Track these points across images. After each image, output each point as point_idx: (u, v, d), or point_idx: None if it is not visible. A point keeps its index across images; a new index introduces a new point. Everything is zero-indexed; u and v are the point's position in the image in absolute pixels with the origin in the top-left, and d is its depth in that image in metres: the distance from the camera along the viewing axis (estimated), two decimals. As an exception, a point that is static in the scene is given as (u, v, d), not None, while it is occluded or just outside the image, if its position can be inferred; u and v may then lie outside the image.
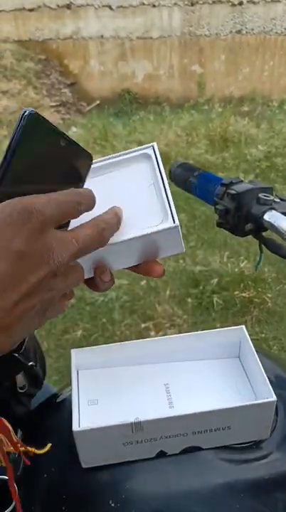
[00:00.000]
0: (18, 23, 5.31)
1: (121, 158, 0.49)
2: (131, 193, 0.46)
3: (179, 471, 0.56)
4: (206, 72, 5.40)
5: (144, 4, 5.15)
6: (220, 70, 5.38)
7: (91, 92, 5.56)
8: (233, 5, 5.09)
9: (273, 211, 0.71)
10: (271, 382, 0.67)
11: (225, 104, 4.61)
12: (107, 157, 0.49)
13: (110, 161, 0.49)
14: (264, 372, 0.57)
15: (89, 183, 0.43)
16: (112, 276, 0.45)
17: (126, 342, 0.64)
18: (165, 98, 5.41)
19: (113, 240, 0.41)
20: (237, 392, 0.61)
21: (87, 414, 0.58)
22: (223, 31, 5.25)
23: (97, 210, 0.40)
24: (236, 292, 2.30)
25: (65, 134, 0.40)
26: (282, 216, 0.69)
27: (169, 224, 0.43)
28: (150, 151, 0.49)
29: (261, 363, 0.75)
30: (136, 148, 0.49)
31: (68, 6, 5.23)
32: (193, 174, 0.85)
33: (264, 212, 0.70)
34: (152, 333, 2.14)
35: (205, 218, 2.87)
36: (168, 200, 0.44)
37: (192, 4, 5.11)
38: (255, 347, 0.62)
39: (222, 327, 2.14)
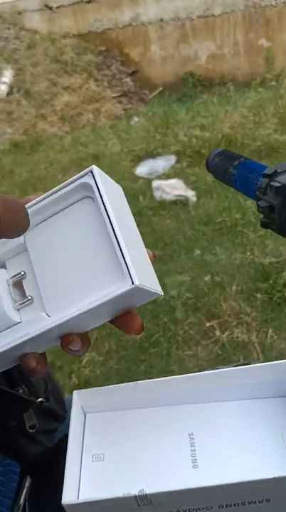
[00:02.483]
0: (77, 16, 5.30)
1: (58, 195, 0.39)
2: (78, 245, 0.38)
3: None
4: (274, 45, 5.05)
5: (204, -20, 4.92)
6: (290, 41, 5.01)
7: (153, 78, 5.43)
8: None
9: None
10: None
11: (296, 78, 4.28)
12: (44, 195, 0.39)
13: (48, 200, 0.39)
14: None
15: (34, 233, 0.38)
16: (85, 340, 0.38)
17: (144, 381, 0.52)
18: (231, 78, 5.15)
19: (69, 312, 0.36)
20: (283, 446, 0.47)
21: (90, 475, 0.47)
22: (291, -2, 4.87)
23: (48, 268, 0.37)
24: (311, 285, 2.09)
25: None
26: None
27: (127, 286, 0.34)
28: (89, 180, 0.38)
29: None
30: (73, 178, 0.39)
31: (126, -7, 5.13)
32: (233, 164, 0.70)
33: None
34: (217, 332, 2.00)
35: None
36: (121, 250, 0.35)
37: (256, -26, 4.80)
38: None
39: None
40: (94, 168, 0.39)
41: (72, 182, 0.39)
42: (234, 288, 2.16)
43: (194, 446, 0.48)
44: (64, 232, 0.39)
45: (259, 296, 2.11)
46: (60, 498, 0.44)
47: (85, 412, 0.53)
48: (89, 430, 0.51)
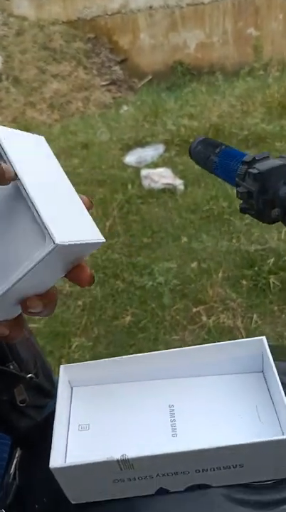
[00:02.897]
0: (66, 3, 5.23)
1: None
2: (3, 215, 0.36)
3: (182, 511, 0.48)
4: (263, 34, 5.04)
5: None
6: (278, 31, 5.00)
7: (142, 67, 5.40)
8: None
9: (305, 192, 0.58)
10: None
11: (284, 67, 4.28)
12: None
13: None
14: (283, 395, 0.47)
15: None
16: (47, 301, 0.38)
17: (128, 356, 0.55)
18: (219, 67, 5.14)
19: (8, 281, 0.36)
20: (256, 418, 0.51)
21: (76, 443, 0.50)
22: (281, -13, 4.86)
23: None
24: (295, 272, 2.14)
25: None
26: None
27: (49, 246, 0.34)
28: None
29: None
30: None
31: (115, -20, 5.08)
32: (214, 151, 0.73)
33: (293, 195, 0.58)
34: (204, 317, 2.04)
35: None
36: (36, 209, 0.34)
37: None
38: None
39: (280, 310, 1.99)
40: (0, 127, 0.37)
41: None
42: (220, 275, 2.20)
43: (174, 417, 0.52)
44: None
45: (244, 282, 2.15)
46: (48, 466, 0.47)
47: (71, 385, 0.56)
48: (76, 402, 0.54)
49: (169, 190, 2.96)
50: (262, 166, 0.61)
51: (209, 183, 2.97)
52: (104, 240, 0.40)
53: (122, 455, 0.44)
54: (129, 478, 0.46)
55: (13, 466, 0.60)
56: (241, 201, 0.65)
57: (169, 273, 2.24)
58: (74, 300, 2.24)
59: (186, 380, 0.55)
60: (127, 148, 3.52)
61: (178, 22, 5.22)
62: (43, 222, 0.34)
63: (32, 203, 0.34)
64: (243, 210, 0.66)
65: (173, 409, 0.52)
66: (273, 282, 2.11)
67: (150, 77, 5.37)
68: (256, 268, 2.20)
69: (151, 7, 5.17)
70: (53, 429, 0.63)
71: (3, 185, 0.34)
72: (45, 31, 5.17)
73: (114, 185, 3.02)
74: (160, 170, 3.09)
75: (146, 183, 3.01)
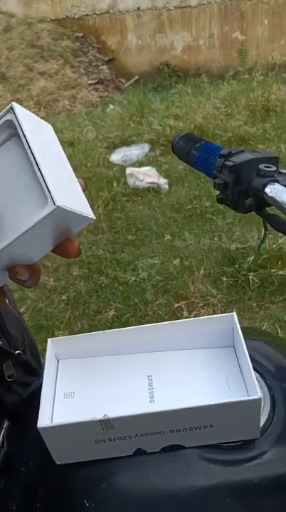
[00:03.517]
0: (54, 1, 5.25)
1: None
2: (8, 181, 0.39)
3: (159, 471, 0.52)
4: (248, 38, 5.13)
5: (181, -29, 4.94)
6: (263, 36, 5.10)
7: (129, 67, 5.44)
8: None
9: (276, 184, 0.63)
10: (272, 372, 0.61)
11: (268, 72, 4.37)
12: None
13: None
14: (250, 365, 0.51)
15: None
16: (33, 271, 0.41)
17: (111, 330, 0.60)
18: (205, 69, 5.21)
19: (2, 242, 0.38)
20: (226, 387, 0.55)
21: (62, 408, 0.54)
22: (266, -7, 4.95)
23: None
24: (274, 270, 2.20)
25: None
26: (284, 189, 0.61)
27: (50, 208, 0.36)
28: (11, 116, 0.39)
29: (266, 350, 0.68)
30: None
31: (104, -20, 5.11)
32: (194, 146, 0.78)
33: (265, 185, 0.63)
34: (185, 313, 2.09)
35: (244, 193, 2.75)
36: (42, 175, 0.37)
37: None
38: (263, 333, 0.57)
39: (258, 306, 2.05)
40: (14, 104, 0.40)
41: None
42: (202, 272, 2.26)
43: (152, 385, 0.56)
44: None
45: (225, 279, 2.21)
46: (34, 434, 0.51)
47: (57, 358, 0.60)
48: (62, 373, 0.59)
49: (154, 189, 3.01)
50: (237, 159, 0.66)
51: (193, 183, 3.03)
52: (94, 218, 0.43)
53: (104, 415, 0.49)
54: (110, 438, 0.50)
55: (1, 436, 0.64)
56: (218, 192, 0.70)
57: (152, 269, 2.29)
58: (58, 295, 2.27)
59: (163, 353, 0.60)
60: (113, 146, 3.56)
61: (165, 24, 5.27)
62: (46, 185, 0.36)
63: (38, 166, 0.37)
64: (220, 201, 0.71)
65: (151, 379, 0.57)
66: (252, 279, 2.17)
67: (137, 77, 5.41)
68: (236, 265, 2.26)
69: (139, 8, 5.21)
70: (39, 401, 0.68)
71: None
72: (32, 29, 5.18)
73: (100, 183, 3.05)
74: (145, 169, 3.14)
75: (131, 181, 3.06)
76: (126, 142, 3.56)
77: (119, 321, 2.10)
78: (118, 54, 5.49)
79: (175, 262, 2.35)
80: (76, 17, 5.36)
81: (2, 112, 0.40)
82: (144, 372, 0.58)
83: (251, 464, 0.51)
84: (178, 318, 2.11)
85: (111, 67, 5.34)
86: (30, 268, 0.41)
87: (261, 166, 0.64)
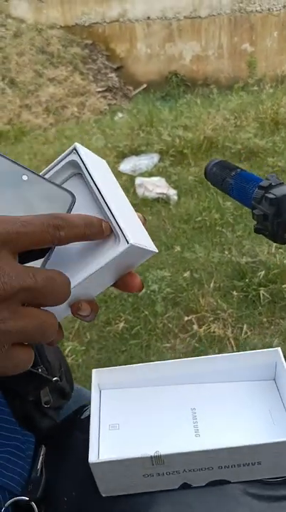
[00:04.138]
0: (65, 8, 5.29)
1: (51, 173, 0.42)
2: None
3: (204, 505, 0.52)
4: (257, 50, 5.17)
5: (192, -18, 4.98)
6: (272, 48, 5.14)
7: (138, 75, 5.48)
8: (287, -23, 4.82)
9: None
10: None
11: (277, 84, 4.40)
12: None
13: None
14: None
15: None
16: (94, 306, 0.41)
17: (153, 362, 0.60)
18: (214, 80, 5.24)
19: (74, 280, 0.38)
20: (270, 421, 0.56)
21: (108, 441, 0.55)
22: (276, 6, 4.99)
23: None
24: (285, 285, 2.21)
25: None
26: None
27: (123, 246, 0.38)
28: (75, 157, 0.41)
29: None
30: (60, 157, 0.42)
31: (115, -12, 5.15)
32: (230, 174, 0.78)
33: (306, 219, 0.64)
34: (195, 326, 2.09)
35: (253, 206, 2.77)
36: (113, 215, 0.38)
37: (243, -21, 4.89)
38: None
39: (268, 321, 2.05)
40: (77, 145, 0.41)
41: (59, 162, 0.41)
42: (212, 285, 2.26)
43: (196, 418, 0.57)
44: None
45: (235, 293, 2.21)
46: (74, 461, 0.51)
47: (100, 389, 0.60)
48: (105, 404, 0.59)
49: (163, 200, 3.02)
50: (277, 191, 0.67)
51: (202, 195, 3.04)
52: (157, 251, 0.44)
53: (156, 451, 0.49)
54: (158, 473, 0.51)
55: (39, 463, 0.64)
56: (256, 222, 0.71)
57: (162, 281, 2.30)
58: (67, 304, 2.27)
59: (206, 385, 0.60)
60: (122, 156, 3.57)
61: (174, 33, 5.31)
62: (117, 223, 0.38)
63: (107, 205, 0.38)
64: (257, 231, 0.71)
65: (195, 412, 0.57)
66: (263, 294, 2.17)
67: (145, 85, 5.44)
68: (247, 280, 2.26)
69: (148, 17, 5.25)
70: (74, 427, 0.68)
71: (98, 239, 0.38)
72: (42, 35, 5.21)
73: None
74: (154, 179, 3.15)
75: (140, 191, 3.07)
76: (135, 152, 3.57)
77: (129, 333, 2.10)
78: (127, 62, 5.52)
79: (185, 275, 2.35)
80: (86, 24, 5.40)
81: (65, 152, 0.41)
82: (188, 404, 0.58)
83: (297, 502, 0.52)
84: (187, 332, 2.12)
85: (119, 75, 5.37)
86: (91, 303, 0.42)
87: (302, 200, 0.64)
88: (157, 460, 0.49)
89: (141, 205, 2.99)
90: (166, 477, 0.51)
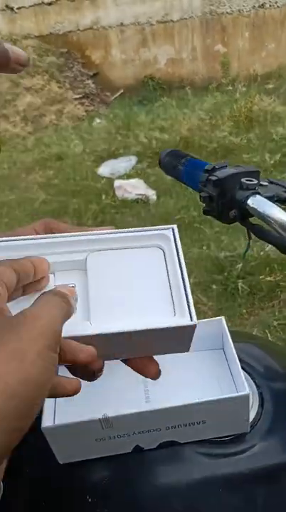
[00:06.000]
0: (38, 18, 5.34)
1: (136, 234, 0.44)
2: (141, 277, 0.42)
3: (156, 466, 0.56)
4: (230, 51, 5.25)
5: (162, -13, 5.07)
6: (244, 48, 5.23)
7: (114, 81, 5.53)
8: (255, -22, 4.92)
9: (257, 196, 0.68)
10: (260, 373, 0.66)
11: (250, 83, 4.48)
12: (122, 230, 0.45)
13: (125, 235, 0.44)
14: (239, 365, 0.56)
15: (98, 256, 0.42)
16: (102, 368, 0.41)
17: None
18: (189, 82, 5.32)
19: (108, 326, 0.38)
20: (217, 386, 0.60)
21: (63, 410, 0.58)
22: (246, 7, 5.08)
23: (103, 288, 0.40)
24: (262, 276, 2.25)
25: None
26: (265, 200, 0.66)
27: (186, 321, 0.38)
28: (169, 233, 0.44)
29: (254, 352, 0.73)
30: (155, 227, 0.45)
31: (87, -3, 5.21)
32: (180, 161, 0.83)
33: (247, 198, 0.68)
34: (176, 321, 2.13)
35: (230, 202, 2.82)
36: (186, 293, 0.39)
37: (212, -18, 4.98)
38: (251, 336, 0.61)
39: (248, 312, 2.09)
40: (175, 227, 0.45)
41: (151, 230, 0.44)
42: (192, 280, 2.30)
43: (147, 387, 0.60)
44: (128, 264, 0.43)
45: (214, 287, 2.25)
46: (37, 435, 0.54)
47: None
48: (61, 373, 0.62)
49: (142, 201, 3.06)
50: (220, 173, 0.71)
51: (180, 194, 3.09)
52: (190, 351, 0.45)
53: (103, 414, 0.52)
54: (109, 436, 0.54)
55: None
56: (204, 204, 0.75)
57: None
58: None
59: (158, 356, 0.63)
60: (101, 159, 3.61)
61: (148, 38, 5.38)
62: (187, 301, 0.39)
63: (184, 281, 0.40)
64: (206, 212, 0.75)
65: (146, 381, 0.61)
66: (241, 286, 2.22)
67: (122, 90, 5.50)
68: (225, 273, 2.30)
69: (122, 23, 5.31)
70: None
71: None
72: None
73: (89, 196, 3.10)
74: (133, 181, 3.19)
75: (119, 193, 3.11)
76: (113, 155, 3.61)
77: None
78: (102, 68, 5.58)
79: (165, 272, 2.39)
80: (60, 33, 5.45)
81: (162, 226, 0.45)
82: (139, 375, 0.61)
83: (242, 457, 0.55)
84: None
85: (96, 82, 5.42)
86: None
87: (243, 180, 0.68)
88: (106, 423, 0.53)
89: (121, 206, 3.03)
90: (117, 440, 0.55)
